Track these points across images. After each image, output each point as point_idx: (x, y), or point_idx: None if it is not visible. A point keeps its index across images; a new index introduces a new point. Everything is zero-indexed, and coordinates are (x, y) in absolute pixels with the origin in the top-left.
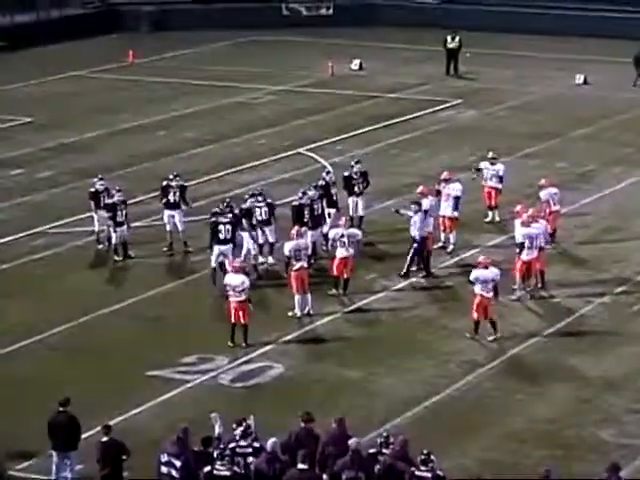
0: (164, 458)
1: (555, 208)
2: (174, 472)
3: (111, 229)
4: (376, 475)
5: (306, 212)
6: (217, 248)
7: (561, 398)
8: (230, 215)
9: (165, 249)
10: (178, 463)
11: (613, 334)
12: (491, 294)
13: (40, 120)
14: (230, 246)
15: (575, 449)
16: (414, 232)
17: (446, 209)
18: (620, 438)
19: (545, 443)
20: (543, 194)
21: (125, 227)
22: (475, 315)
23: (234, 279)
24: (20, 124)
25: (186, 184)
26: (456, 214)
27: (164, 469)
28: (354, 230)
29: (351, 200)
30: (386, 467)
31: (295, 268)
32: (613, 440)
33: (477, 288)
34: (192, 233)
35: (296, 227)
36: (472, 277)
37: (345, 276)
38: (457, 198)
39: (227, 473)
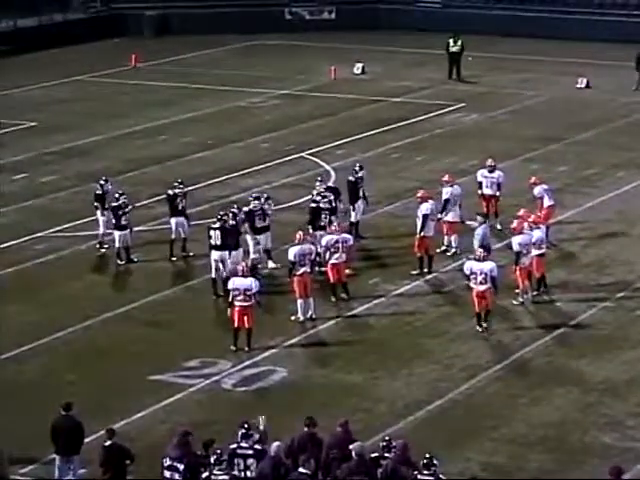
0: (167, 462)
1: (550, 203)
2: (177, 476)
3: (115, 232)
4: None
5: (323, 215)
6: (212, 253)
7: (564, 402)
8: (223, 221)
9: (170, 256)
10: (181, 466)
11: (616, 338)
12: (484, 287)
13: (43, 124)
14: (225, 252)
15: (578, 453)
16: (476, 244)
17: (446, 213)
18: (623, 442)
19: (548, 447)
20: (537, 191)
21: (128, 231)
22: (477, 308)
23: (243, 282)
24: (23, 128)
25: (187, 189)
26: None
27: (167, 473)
28: (345, 235)
29: (356, 205)
30: (389, 471)
31: (298, 273)
32: (616, 444)
33: (471, 281)
34: (193, 237)
35: (300, 232)
36: (465, 269)
37: (343, 280)
38: (447, 201)
39: (225, 477)
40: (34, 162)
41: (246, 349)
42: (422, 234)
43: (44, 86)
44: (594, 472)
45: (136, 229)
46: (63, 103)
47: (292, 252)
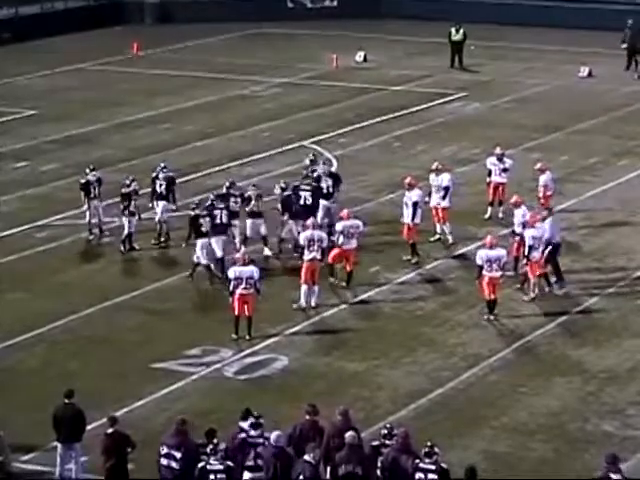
0: (164, 450)
1: (549, 193)
2: (174, 464)
3: (124, 219)
4: (378, 468)
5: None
6: (199, 242)
7: (565, 391)
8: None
9: (153, 241)
10: (178, 455)
11: (617, 327)
12: (499, 273)
13: (44, 112)
14: (207, 240)
15: (579, 442)
16: (546, 236)
17: (438, 200)
18: (624, 431)
19: (549, 436)
20: (543, 178)
21: (136, 218)
22: (486, 294)
23: (245, 270)
24: (24, 116)
25: (172, 174)
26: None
27: (164, 461)
28: (357, 221)
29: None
30: (389, 460)
31: (307, 258)
32: (617, 433)
33: (485, 269)
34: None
35: (312, 218)
36: (478, 258)
37: (348, 269)
38: (447, 188)
39: (220, 467)
40: (35, 150)
41: (247, 337)
42: (412, 222)
43: (45, 74)
44: (594, 461)
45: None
46: (64, 91)
47: (302, 237)
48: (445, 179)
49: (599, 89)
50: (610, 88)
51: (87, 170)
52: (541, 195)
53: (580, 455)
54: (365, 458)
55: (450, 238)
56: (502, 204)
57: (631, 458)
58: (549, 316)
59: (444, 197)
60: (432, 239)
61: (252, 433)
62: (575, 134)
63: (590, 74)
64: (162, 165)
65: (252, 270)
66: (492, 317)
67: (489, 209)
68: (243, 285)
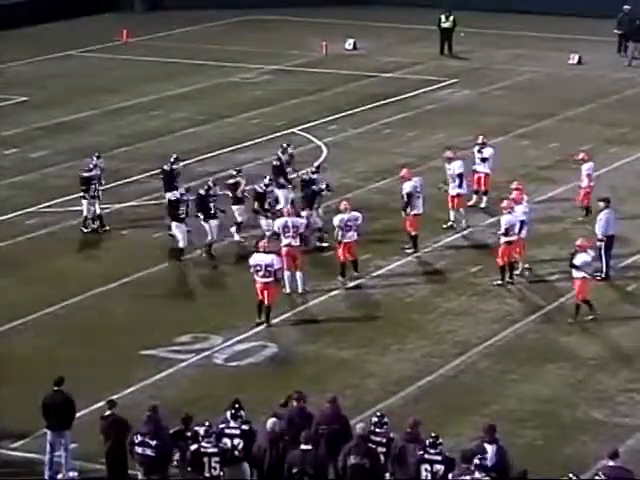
0: (137, 439)
1: (592, 183)
2: (149, 451)
3: (83, 202)
4: (389, 459)
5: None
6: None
7: (555, 378)
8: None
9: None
10: (153, 442)
11: (607, 314)
12: (516, 236)
13: (34, 99)
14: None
15: (569, 429)
16: (598, 230)
17: (454, 188)
18: (613, 417)
19: (539, 423)
20: (586, 168)
21: (96, 201)
22: (500, 262)
23: (264, 258)
24: (14, 103)
25: (176, 167)
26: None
27: (139, 449)
28: (355, 213)
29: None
30: (398, 450)
31: (282, 244)
32: (607, 420)
33: (503, 237)
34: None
35: (288, 206)
36: (505, 223)
37: (351, 258)
38: (460, 175)
39: (214, 450)
40: (25, 137)
41: (265, 324)
42: (413, 212)
43: (35, 61)
44: (584, 448)
45: (129, 204)
46: (54, 78)
47: (276, 224)
48: (457, 166)
49: (589, 76)
50: (600, 75)
51: (94, 158)
52: (584, 185)
53: (570, 442)
54: (373, 451)
55: (464, 223)
56: (487, 193)
57: (621, 446)
58: (539, 303)
59: (460, 185)
60: (444, 226)
61: (231, 424)
62: (565, 121)
63: (580, 61)
64: (174, 156)
65: (272, 258)
66: (502, 283)
67: (474, 196)
68: (262, 272)
